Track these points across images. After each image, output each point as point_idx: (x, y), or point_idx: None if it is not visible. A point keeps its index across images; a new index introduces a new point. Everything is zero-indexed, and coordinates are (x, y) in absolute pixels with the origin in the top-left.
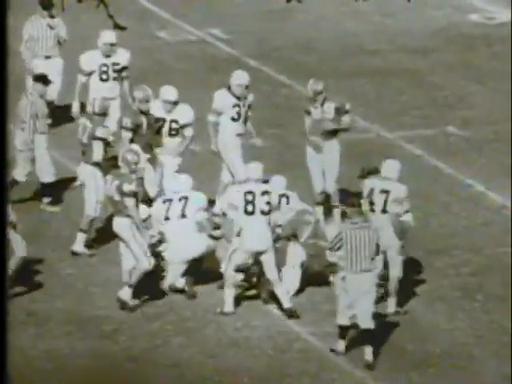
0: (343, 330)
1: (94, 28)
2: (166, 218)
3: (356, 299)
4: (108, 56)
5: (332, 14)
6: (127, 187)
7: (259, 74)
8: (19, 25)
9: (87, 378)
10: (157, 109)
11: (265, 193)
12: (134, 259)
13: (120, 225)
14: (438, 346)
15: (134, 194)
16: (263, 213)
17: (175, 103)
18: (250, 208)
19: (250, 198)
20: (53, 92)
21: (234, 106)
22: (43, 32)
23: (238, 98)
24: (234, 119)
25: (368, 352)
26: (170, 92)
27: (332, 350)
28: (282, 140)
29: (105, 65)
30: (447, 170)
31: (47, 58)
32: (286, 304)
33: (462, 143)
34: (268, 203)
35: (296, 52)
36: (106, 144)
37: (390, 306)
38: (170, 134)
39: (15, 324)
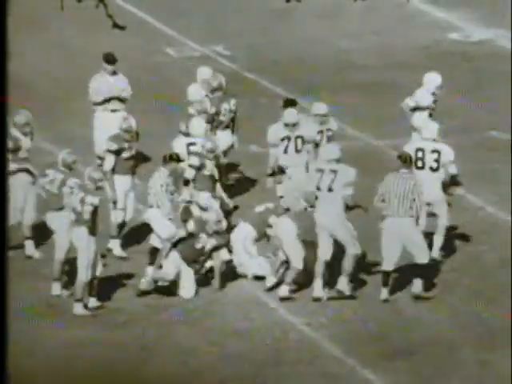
0: (387, 277)
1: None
2: (318, 188)
3: (404, 241)
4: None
5: (325, 31)
6: (89, 199)
7: (257, 87)
8: (19, 48)
9: (102, 365)
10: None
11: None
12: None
13: (78, 234)
14: (421, 334)
15: (95, 207)
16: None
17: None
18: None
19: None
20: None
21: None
22: (108, 87)
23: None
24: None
25: (417, 284)
26: (320, 107)
27: (385, 301)
28: None
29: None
30: None
31: (113, 111)
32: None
33: None
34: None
35: (291, 66)
36: None
37: (435, 250)
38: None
39: (37, 314)
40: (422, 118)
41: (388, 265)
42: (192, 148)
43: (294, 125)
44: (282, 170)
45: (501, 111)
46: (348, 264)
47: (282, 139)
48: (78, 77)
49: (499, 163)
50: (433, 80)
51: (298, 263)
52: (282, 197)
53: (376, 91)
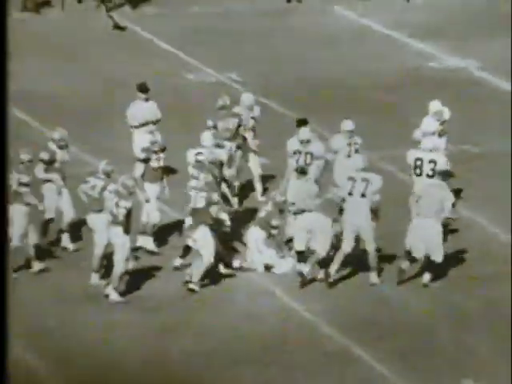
0: (413, 261)
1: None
2: (350, 194)
3: (427, 238)
4: None
5: (323, 59)
6: (123, 203)
7: (266, 108)
8: (64, 75)
9: (132, 344)
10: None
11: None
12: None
13: (115, 233)
14: (406, 319)
15: (128, 210)
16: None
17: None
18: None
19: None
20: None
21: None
22: (143, 113)
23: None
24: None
25: (427, 276)
26: (348, 123)
27: (425, 286)
28: (283, 158)
29: None
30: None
31: (150, 132)
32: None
33: None
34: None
35: (295, 89)
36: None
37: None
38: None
39: (77, 301)
40: (431, 141)
41: (417, 253)
42: (198, 157)
43: (308, 141)
44: (303, 171)
45: (472, 126)
46: (372, 259)
47: (294, 152)
48: (113, 100)
49: (473, 174)
50: (435, 108)
51: (347, 247)
52: (293, 203)
53: (367, 109)
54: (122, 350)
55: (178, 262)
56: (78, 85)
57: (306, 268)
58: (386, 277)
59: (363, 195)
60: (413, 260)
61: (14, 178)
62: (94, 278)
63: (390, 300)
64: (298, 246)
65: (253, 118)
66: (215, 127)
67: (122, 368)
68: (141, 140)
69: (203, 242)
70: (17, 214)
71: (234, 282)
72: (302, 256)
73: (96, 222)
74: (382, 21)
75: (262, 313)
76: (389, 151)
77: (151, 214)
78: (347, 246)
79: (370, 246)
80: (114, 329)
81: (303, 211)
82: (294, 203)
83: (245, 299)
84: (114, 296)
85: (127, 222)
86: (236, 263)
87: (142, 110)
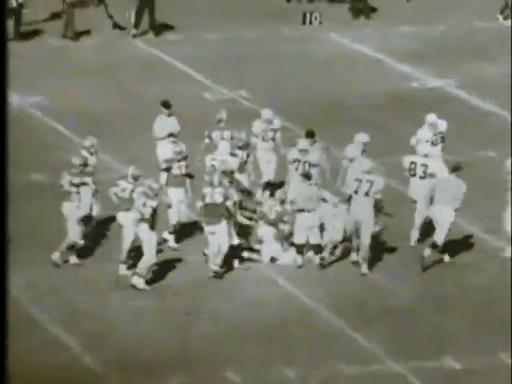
0: (438, 246)
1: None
2: (355, 192)
3: (440, 220)
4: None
5: (321, 80)
6: (149, 203)
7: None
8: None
9: (156, 327)
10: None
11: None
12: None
13: (142, 229)
14: (391, 304)
15: (154, 209)
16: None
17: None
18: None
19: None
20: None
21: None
22: (167, 126)
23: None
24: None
25: (428, 251)
26: (363, 136)
27: (427, 268)
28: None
29: None
30: (398, 187)
31: (173, 143)
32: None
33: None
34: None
35: (296, 106)
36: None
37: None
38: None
39: (106, 288)
40: (424, 147)
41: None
42: (213, 162)
43: (306, 151)
44: (307, 177)
45: (449, 138)
46: (365, 252)
47: (294, 161)
48: (139, 115)
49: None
50: (430, 120)
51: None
52: (291, 201)
53: (358, 124)
54: (147, 331)
55: (206, 250)
56: (109, 102)
57: (299, 259)
58: (381, 267)
59: (367, 194)
60: (434, 247)
61: (66, 179)
62: (122, 269)
63: (378, 287)
64: (298, 240)
65: (273, 129)
66: (232, 138)
67: (146, 347)
68: (164, 150)
69: (221, 234)
70: (67, 211)
71: (243, 273)
72: (300, 248)
73: (124, 219)
74: (372, 46)
75: (267, 299)
76: (377, 160)
77: (173, 216)
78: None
79: (366, 241)
80: (139, 313)
81: (303, 210)
82: (293, 202)
83: (252, 287)
84: (141, 284)
85: (153, 220)
86: (245, 254)
87: (165, 123)
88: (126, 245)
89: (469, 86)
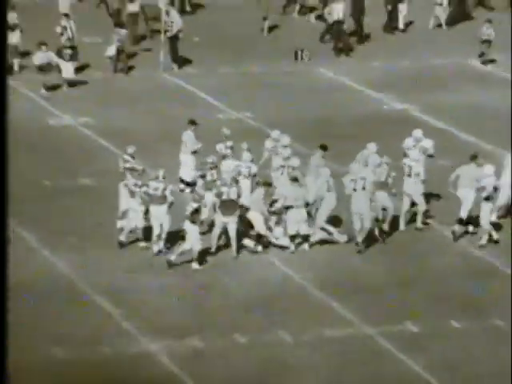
0: (462, 221)
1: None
2: (354, 190)
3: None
4: None
5: (313, 103)
6: (192, 204)
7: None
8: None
9: (178, 299)
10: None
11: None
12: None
13: (185, 224)
14: (365, 280)
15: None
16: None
17: None
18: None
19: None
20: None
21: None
22: (192, 141)
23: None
24: None
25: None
26: (372, 146)
27: (457, 239)
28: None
29: None
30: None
31: (192, 153)
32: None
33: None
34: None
35: (293, 124)
36: None
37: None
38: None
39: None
40: (412, 154)
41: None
42: (240, 169)
43: (288, 158)
44: (295, 179)
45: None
46: (363, 235)
47: (279, 167)
48: (166, 132)
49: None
50: (415, 134)
51: (356, 227)
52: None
53: (342, 139)
54: (171, 302)
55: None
56: (142, 121)
57: (292, 246)
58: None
59: (364, 188)
60: (460, 222)
61: (131, 182)
62: (155, 248)
63: (355, 267)
64: (291, 231)
65: (285, 146)
66: (249, 149)
67: (170, 314)
68: (189, 160)
69: (232, 224)
70: (123, 192)
71: (249, 256)
72: (292, 238)
73: (157, 211)
74: (351, 78)
75: (267, 277)
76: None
77: (206, 213)
78: (356, 226)
79: (367, 225)
80: (165, 288)
81: (292, 207)
82: (278, 200)
83: (255, 268)
84: (197, 266)
85: (195, 216)
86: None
87: (191, 138)
88: (156, 231)
89: (428, 110)
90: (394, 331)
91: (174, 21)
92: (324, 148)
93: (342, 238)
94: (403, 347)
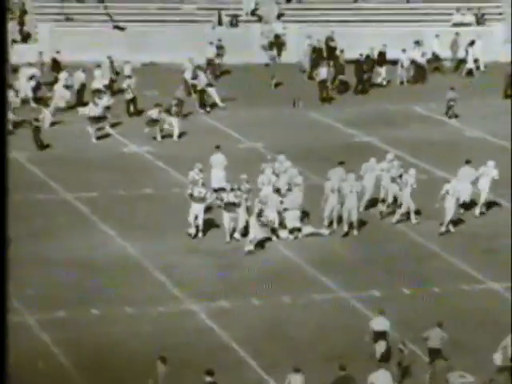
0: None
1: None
2: (350, 191)
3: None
4: None
5: (307, 137)
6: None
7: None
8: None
9: (204, 274)
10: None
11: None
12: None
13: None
14: (344, 258)
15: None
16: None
17: None
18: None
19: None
20: None
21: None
22: (219, 161)
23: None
24: None
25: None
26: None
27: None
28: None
29: None
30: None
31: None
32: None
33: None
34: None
35: (295, 150)
36: None
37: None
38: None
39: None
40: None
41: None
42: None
43: (286, 171)
44: (290, 189)
45: None
46: (355, 222)
47: (287, 183)
48: (201, 155)
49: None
50: (388, 156)
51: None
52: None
53: (326, 160)
54: (201, 275)
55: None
56: (187, 149)
57: (291, 236)
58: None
59: (352, 191)
60: (463, 206)
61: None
62: (191, 231)
63: (336, 250)
64: (289, 226)
65: (289, 167)
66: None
67: (205, 284)
68: (218, 173)
69: (239, 217)
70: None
71: (262, 244)
72: (291, 231)
73: (196, 208)
74: (333, 118)
75: (272, 257)
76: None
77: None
78: (344, 216)
79: (353, 218)
80: (197, 265)
81: (289, 209)
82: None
83: (262, 250)
84: (251, 247)
85: (259, 214)
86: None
87: (218, 159)
88: (191, 219)
89: (386, 141)
90: (363, 296)
91: (201, 79)
92: (342, 163)
93: (326, 232)
94: (369, 307)
